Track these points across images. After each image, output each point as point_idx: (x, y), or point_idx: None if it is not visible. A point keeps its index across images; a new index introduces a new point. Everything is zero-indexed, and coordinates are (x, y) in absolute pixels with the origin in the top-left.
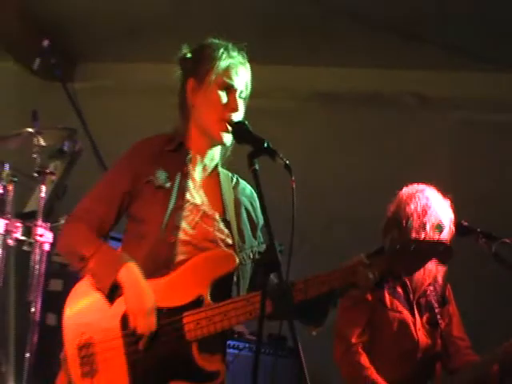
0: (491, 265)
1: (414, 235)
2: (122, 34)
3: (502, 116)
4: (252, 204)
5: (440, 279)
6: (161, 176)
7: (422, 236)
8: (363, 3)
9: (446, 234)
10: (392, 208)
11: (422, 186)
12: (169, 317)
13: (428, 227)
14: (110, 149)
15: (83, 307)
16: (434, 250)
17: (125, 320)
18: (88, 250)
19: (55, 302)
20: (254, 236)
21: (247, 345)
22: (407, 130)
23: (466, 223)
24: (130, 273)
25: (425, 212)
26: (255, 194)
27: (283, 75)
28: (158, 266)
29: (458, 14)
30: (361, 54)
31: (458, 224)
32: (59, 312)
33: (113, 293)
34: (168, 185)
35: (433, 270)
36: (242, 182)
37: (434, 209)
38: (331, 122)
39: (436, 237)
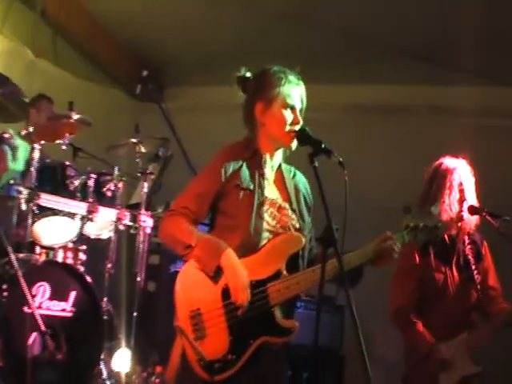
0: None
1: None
2: (199, 64)
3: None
4: (306, 189)
5: (477, 238)
6: (245, 179)
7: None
8: (390, 33)
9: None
10: (426, 178)
11: (452, 162)
12: (256, 287)
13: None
14: (195, 154)
15: (191, 285)
16: None
17: (224, 293)
18: (192, 240)
19: (154, 273)
20: (309, 215)
21: (303, 304)
22: (425, 135)
23: (474, 204)
24: (230, 258)
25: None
26: (306, 180)
27: (323, 92)
28: (247, 250)
29: (461, 39)
30: (386, 73)
31: (469, 206)
32: (157, 280)
33: (215, 275)
34: (251, 186)
35: (467, 226)
36: (297, 172)
37: (461, 182)
38: (362, 130)
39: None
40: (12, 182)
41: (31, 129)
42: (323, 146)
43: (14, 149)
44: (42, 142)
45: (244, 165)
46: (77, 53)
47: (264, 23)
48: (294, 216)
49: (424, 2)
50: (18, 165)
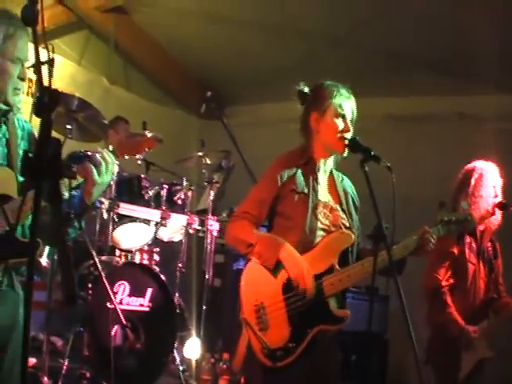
0: None
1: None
2: (254, 84)
3: None
4: (353, 191)
5: (494, 237)
6: (300, 184)
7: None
8: (420, 49)
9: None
10: (458, 178)
11: (482, 164)
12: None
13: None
14: (254, 163)
15: (255, 281)
16: None
17: (285, 288)
18: (253, 239)
19: (219, 270)
20: (356, 214)
21: (350, 294)
22: (454, 140)
23: (503, 201)
24: (289, 251)
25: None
26: (351, 184)
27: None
28: (304, 248)
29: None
30: (417, 85)
31: (498, 202)
32: (222, 277)
33: (275, 269)
34: (306, 190)
35: (492, 224)
36: (344, 177)
37: (490, 183)
38: (398, 138)
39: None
40: None
41: (111, 147)
42: (372, 153)
43: (99, 164)
44: (126, 156)
45: (299, 171)
46: (146, 79)
47: (311, 45)
48: (344, 216)
49: (450, 19)
50: (106, 178)
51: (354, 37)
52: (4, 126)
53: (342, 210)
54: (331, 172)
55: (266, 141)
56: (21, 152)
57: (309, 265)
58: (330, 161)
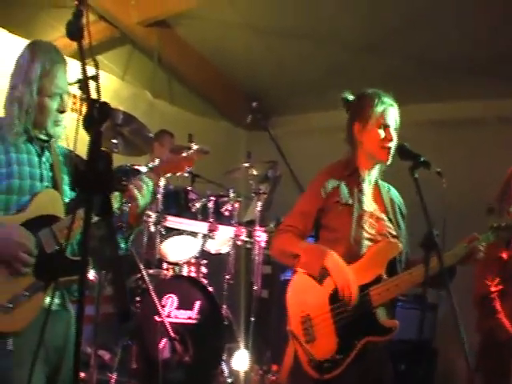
0: None
1: None
2: (297, 94)
3: None
4: (399, 200)
5: None
6: (344, 195)
7: None
8: (460, 54)
9: None
10: (503, 182)
11: None
12: (360, 291)
13: None
14: (301, 173)
15: (301, 292)
16: None
17: (331, 298)
18: (298, 250)
19: (267, 281)
20: (403, 223)
21: (399, 303)
22: (495, 143)
23: None
24: (334, 258)
25: None
26: (398, 194)
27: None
28: (351, 258)
29: None
30: (457, 90)
31: None
32: (270, 288)
33: (321, 277)
34: (350, 201)
35: None
36: (391, 187)
37: None
38: (439, 143)
39: None
40: None
41: (157, 161)
42: (422, 159)
43: (141, 188)
44: (168, 175)
45: (343, 182)
46: (190, 92)
47: (350, 53)
48: (390, 225)
49: (488, 22)
50: (147, 199)
51: (392, 44)
52: (47, 152)
53: (389, 219)
54: (376, 182)
55: (311, 150)
56: (64, 176)
57: (356, 275)
58: (375, 171)
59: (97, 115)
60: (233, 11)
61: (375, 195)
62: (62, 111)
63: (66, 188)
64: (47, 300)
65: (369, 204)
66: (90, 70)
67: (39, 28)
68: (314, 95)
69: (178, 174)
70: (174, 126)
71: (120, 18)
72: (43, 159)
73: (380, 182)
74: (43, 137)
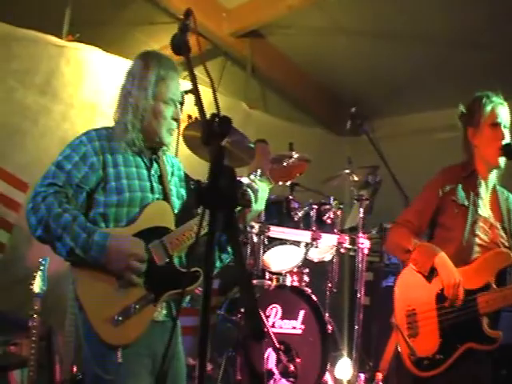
0: None
1: None
2: (390, 96)
3: None
4: None
5: None
6: (461, 196)
7: None
8: None
9: None
10: None
11: None
12: (467, 295)
13: None
14: (400, 177)
15: (409, 286)
16: None
17: (438, 297)
18: (411, 245)
19: (368, 288)
20: None
21: None
22: None
23: None
24: (444, 259)
25: None
26: None
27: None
28: (460, 261)
29: None
30: None
31: None
32: (371, 295)
33: (430, 275)
34: (466, 203)
35: None
36: (510, 195)
37: None
38: None
39: None
40: None
41: (258, 171)
42: None
43: (255, 191)
44: (280, 183)
45: (460, 184)
46: (284, 100)
47: (441, 50)
48: (504, 234)
49: None
50: (260, 205)
51: (489, 39)
52: (155, 164)
53: (503, 228)
54: (494, 188)
55: (407, 152)
56: (172, 187)
57: (464, 278)
58: (493, 176)
59: (217, 129)
60: (323, 16)
61: (492, 202)
62: (175, 119)
63: (175, 199)
64: (157, 312)
65: (484, 209)
66: (187, 85)
67: (132, 45)
68: (408, 96)
69: (289, 182)
70: (270, 136)
71: (212, 30)
72: (152, 172)
73: (499, 188)
74: (154, 146)
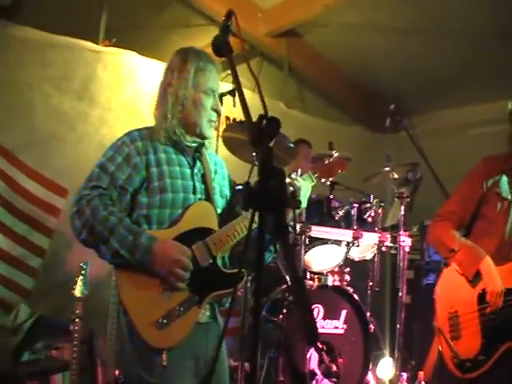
0: None
1: None
2: (428, 92)
3: None
4: None
5: None
6: (504, 189)
7: None
8: None
9: None
10: None
11: None
12: (508, 295)
13: None
14: (440, 173)
15: (451, 287)
16: None
17: (480, 298)
18: (455, 245)
19: (409, 286)
20: None
21: None
22: None
23: None
24: (488, 264)
25: None
26: None
27: None
28: (500, 258)
29: None
30: None
31: None
32: (412, 293)
33: (474, 280)
34: (509, 197)
35: None
36: None
37: None
38: None
39: None
40: None
41: (299, 170)
42: None
43: (297, 189)
44: (322, 180)
45: (504, 176)
46: (322, 99)
47: (477, 44)
48: None
49: None
50: (302, 203)
51: None
52: (198, 162)
53: None
54: None
55: (446, 148)
56: (216, 186)
57: (505, 277)
58: None
59: (265, 131)
60: (357, 13)
61: None
62: (216, 110)
63: (218, 198)
64: (201, 314)
65: None
66: (225, 86)
67: (168, 48)
68: (446, 91)
69: (330, 179)
70: (308, 135)
71: (248, 30)
72: (195, 170)
73: None
74: (194, 144)
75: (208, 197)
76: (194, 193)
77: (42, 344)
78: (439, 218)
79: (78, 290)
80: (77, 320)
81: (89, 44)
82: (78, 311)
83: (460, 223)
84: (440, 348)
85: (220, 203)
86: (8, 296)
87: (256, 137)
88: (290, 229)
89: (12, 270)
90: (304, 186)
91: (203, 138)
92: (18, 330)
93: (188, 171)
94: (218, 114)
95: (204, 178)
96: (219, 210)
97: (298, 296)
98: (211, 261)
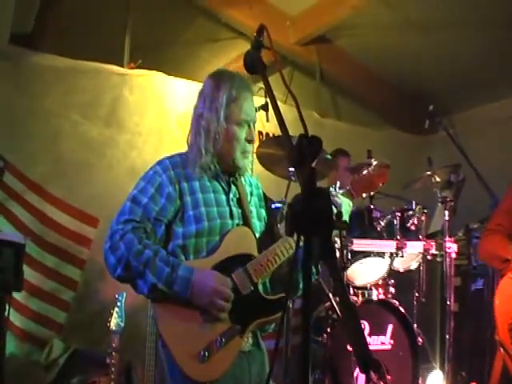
0: None
1: None
2: (464, 89)
3: None
4: None
5: None
6: None
7: None
8: None
9: None
10: None
11: None
12: None
13: None
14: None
15: (509, 297)
16: None
17: None
18: (509, 254)
19: (456, 294)
20: None
21: None
22: None
23: None
24: None
25: None
26: None
27: None
28: None
29: None
30: None
31: None
32: (460, 300)
33: None
34: None
35: None
36: None
37: None
38: None
39: None
40: None
41: (338, 184)
42: None
43: (338, 206)
44: (363, 195)
45: None
46: (356, 105)
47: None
48: None
49: None
50: (347, 223)
51: None
52: (233, 187)
53: None
54: None
55: (487, 145)
56: (253, 209)
57: None
58: None
59: (307, 151)
60: (388, 12)
61: None
62: (250, 141)
63: (256, 222)
64: (243, 343)
65: None
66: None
67: (195, 64)
68: (482, 87)
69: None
70: (344, 143)
71: (277, 40)
72: (230, 195)
73: None
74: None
75: (246, 221)
76: (232, 218)
77: (79, 379)
78: (488, 231)
79: (113, 323)
80: (113, 354)
81: (114, 68)
82: (114, 344)
83: (509, 233)
84: (504, 362)
85: (258, 226)
86: (40, 332)
87: (298, 158)
88: (336, 251)
89: (44, 304)
90: (345, 202)
91: (237, 169)
92: (53, 366)
93: (223, 197)
94: (252, 143)
95: (240, 203)
96: (257, 234)
97: (351, 321)
98: (252, 288)
